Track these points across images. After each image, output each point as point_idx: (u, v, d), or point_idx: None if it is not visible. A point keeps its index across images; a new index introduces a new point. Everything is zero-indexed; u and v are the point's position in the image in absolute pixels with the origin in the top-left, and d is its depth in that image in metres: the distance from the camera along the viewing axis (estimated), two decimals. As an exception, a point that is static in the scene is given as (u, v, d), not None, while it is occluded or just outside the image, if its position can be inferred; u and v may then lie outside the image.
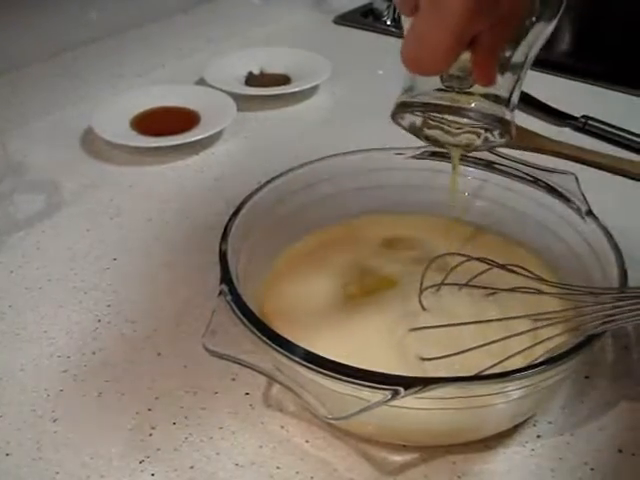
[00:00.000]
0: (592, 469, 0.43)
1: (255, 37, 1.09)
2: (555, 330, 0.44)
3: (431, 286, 0.49)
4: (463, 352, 0.42)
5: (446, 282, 0.49)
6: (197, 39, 1.03)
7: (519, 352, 0.42)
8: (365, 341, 0.47)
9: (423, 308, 0.48)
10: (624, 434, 0.45)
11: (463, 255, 0.48)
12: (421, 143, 0.54)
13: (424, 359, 0.45)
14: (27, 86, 0.83)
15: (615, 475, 0.43)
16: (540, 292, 0.46)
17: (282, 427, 0.46)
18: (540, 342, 0.43)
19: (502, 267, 0.47)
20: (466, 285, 0.48)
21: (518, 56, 0.43)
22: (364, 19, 1.16)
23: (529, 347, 0.42)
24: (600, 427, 0.46)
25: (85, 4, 0.97)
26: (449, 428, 0.42)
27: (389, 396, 0.36)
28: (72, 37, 0.90)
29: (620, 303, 0.41)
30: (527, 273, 0.46)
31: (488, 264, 0.48)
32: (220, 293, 0.42)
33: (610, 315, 0.41)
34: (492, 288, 0.48)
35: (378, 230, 0.58)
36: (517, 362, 0.41)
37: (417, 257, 0.54)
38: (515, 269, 0.47)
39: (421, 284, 0.48)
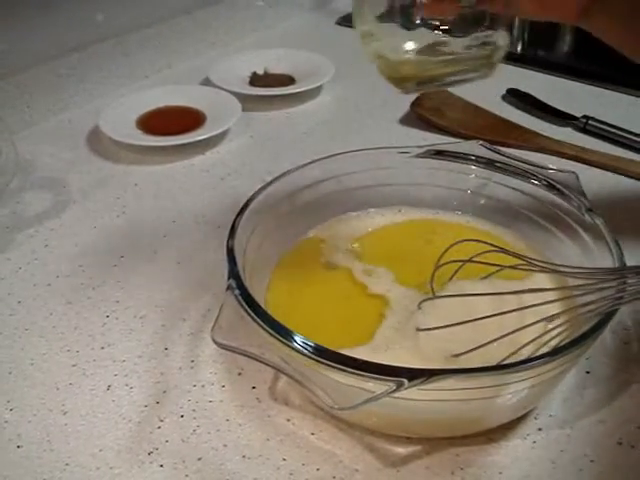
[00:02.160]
0: (592, 461, 0.44)
1: (259, 38, 1.10)
2: (565, 305, 0.45)
3: (446, 263, 0.49)
4: (457, 324, 0.44)
5: (460, 271, 0.50)
6: (202, 40, 1.04)
7: (529, 324, 0.43)
8: (371, 329, 0.48)
9: (433, 292, 0.49)
10: (624, 427, 0.46)
11: (487, 243, 0.49)
12: (424, 142, 0.54)
13: (419, 329, 0.46)
14: (34, 87, 0.84)
15: (615, 467, 0.44)
16: (555, 271, 0.48)
17: (288, 420, 0.47)
18: (549, 317, 0.44)
19: (519, 256, 0.48)
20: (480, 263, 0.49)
21: None
22: (367, 20, 1.17)
23: (537, 321, 0.43)
24: (600, 420, 0.46)
25: (91, 5, 0.97)
26: (452, 419, 0.43)
27: (393, 387, 0.37)
28: (79, 38, 0.90)
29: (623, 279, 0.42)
30: (542, 264, 0.48)
31: (508, 254, 0.48)
32: (228, 288, 0.43)
33: (618, 292, 0.42)
34: (499, 265, 0.49)
35: (383, 227, 0.59)
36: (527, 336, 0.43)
37: (422, 252, 0.55)
38: (528, 258, 0.48)
39: (434, 270, 0.49)
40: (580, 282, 0.46)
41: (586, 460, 0.44)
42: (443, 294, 0.49)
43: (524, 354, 0.43)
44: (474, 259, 0.48)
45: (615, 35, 0.50)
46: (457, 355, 0.44)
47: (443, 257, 0.49)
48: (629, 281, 0.43)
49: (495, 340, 0.43)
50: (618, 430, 0.46)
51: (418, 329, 0.46)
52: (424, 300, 0.48)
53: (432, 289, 0.50)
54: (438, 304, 0.48)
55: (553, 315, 0.44)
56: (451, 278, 0.50)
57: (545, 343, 0.43)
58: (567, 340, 0.43)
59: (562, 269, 0.48)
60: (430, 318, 0.47)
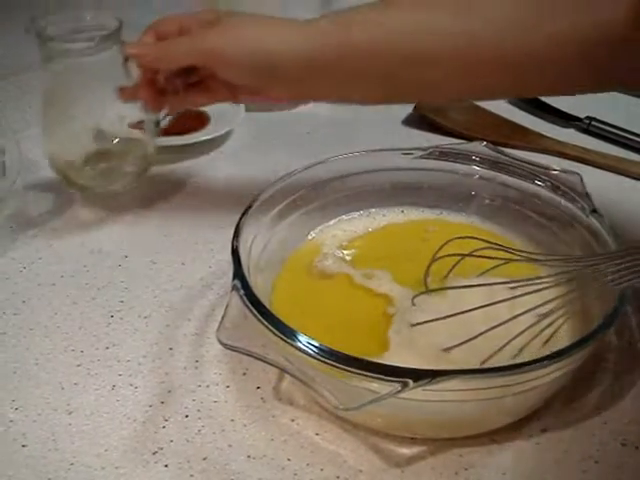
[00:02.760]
0: (596, 462, 0.44)
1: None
2: (558, 294, 0.45)
3: (441, 257, 0.50)
4: (448, 317, 0.44)
5: (457, 270, 0.50)
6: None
7: (520, 314, 0.44)
8: (382, 335, 0.48)
9: (426, 287, 0.50)
10: (628, 428, 0.46)
11: (483, 240, 0.49)
12: (428, 143, 0.55)
13: (413, 325, 0.47)
14: (37, 87, 0.84)
15: (618, 468, 0.44)
16: (543, 262, 0.49)
17: (293, 420, 0.47)
18: (543, 304, 0.44)
19: (515, 252, 0.49)
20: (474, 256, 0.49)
21: None
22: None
23: (527, 311, 0.44)
24: (604, 421, 0.46)
25: (94, 6, 0.98)
26: (457, 420, 0.43)
27: (398, 388, 0.37)
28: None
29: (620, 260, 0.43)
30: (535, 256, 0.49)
31: (506, 251, 0.49)
32: (233, 288, 0.43)
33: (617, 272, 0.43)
34: (499, 258, 0.49)
35: (385, 227, 0.59)
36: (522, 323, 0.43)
37: (422, 252, 0.55)
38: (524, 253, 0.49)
39: (429, 264, 0.50)
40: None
41: (590, 461, 0.44)
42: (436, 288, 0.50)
43: (516, 345, 0.43)
44: (473, 254, 0.48)
45: None
46: (448, 349, 0.44)
47: (439, 253, 0.50)
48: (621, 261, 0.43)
49: (485, 332, 0.43)
50: (622, 431, 0.46)
51: (411, 324, 0.47)
52: (417, 295, 0.49)
53: (426, 284, 0.50)
54: (431, 299, 0.49)
55: (544, 305, 0.44)
56: (446, 275, 0.50)
57: (537, 334, 0.44)
58: (560, 330, 0.43)
59: (551, 257, 0.50)
60: (423, 313, 0.47)
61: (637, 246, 0.44)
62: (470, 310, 0.44)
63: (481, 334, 0.43)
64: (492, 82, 0.53)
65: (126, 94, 0.62)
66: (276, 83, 0.56)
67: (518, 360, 0.41)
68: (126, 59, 0.61)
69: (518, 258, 0.49)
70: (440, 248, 0.50)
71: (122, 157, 0.67)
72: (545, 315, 0.44)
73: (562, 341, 0.45)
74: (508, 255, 0.49)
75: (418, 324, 0.46)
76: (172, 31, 0.59)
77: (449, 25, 0.51)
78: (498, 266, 0.49)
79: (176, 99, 0.61)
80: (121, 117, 0.65)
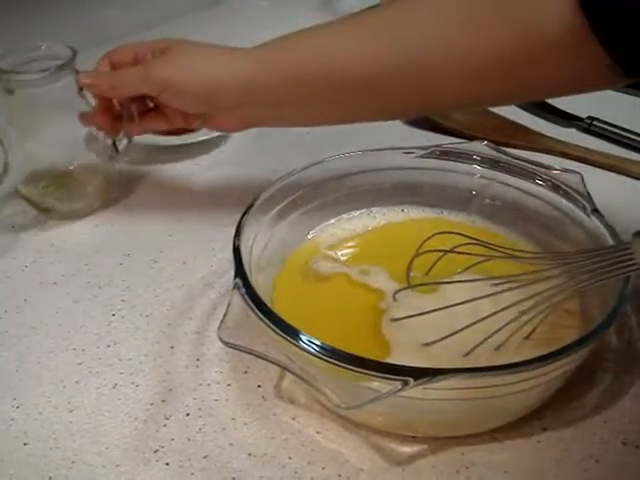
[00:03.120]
0: (597, 461, 0.44)
1: (262, 38, 1.09)
2: (539, 288, 0.45)
3: (423, 252, 0.50)
4: (427, 312, 0.45)
5: (440, 266, 0.50)
6: (205, 40, 1.04)
7: (499, 310, 0.44)
8: (370, 327, 0.49)
9: (409, 283, 0.50)
10: (628, 427, 0.46)
11: (466, 236, 0.49)
12: (429, 143, 0.55)
13: (394, 319, 0.47)
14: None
15: (619, 467, 0.44)
16: (525, 259, 0.50)
17: (294, 419, 0.47)
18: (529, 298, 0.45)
19: (497, 248, 0.49)
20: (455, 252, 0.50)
21: None
22: (371, 21, 1.17)
23: (507, 307, 0.44)
24: (605, 420, 0.47)
25: (97, 5, 0.98)
26: (457, 418, 0.43)
27: (399, 386, 0.37)
28: (85, 37, 0.90)
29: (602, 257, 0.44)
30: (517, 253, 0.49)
31: (488, 247, 0.49)
32: (234, 286, 0.43)
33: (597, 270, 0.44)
34: (484, 255, 0.49)
35: (384, 226, 0.59)
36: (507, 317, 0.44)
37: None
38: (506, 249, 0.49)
39: (411, 260, 0.50)
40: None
41: (591, 460, 0.44)
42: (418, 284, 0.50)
43: (493, 342, 0.44)
44: (454, 250, 0.49)
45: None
46: (428, 344, 0.44)
47: (422, 248, 0.50)
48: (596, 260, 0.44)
49: (464, 328, 0.43)
50: (623, 430, 0.46)
51: (392, 319, 0.47)
52: (399, 290, 0.49)
53: (408, 280, 0.50)
54: (413, 295, 0.49)
55: (523, 301, 0.45)
56: (428, 272, 0.51)
57: (517, 330, 0.44)
58: (539, 326, 0.44)
59: (533, 255, 0.50)
60: (405, 308, 0.48)
61: (612, 246, 0.45)
62: (450, 306, 0.45)
63: (461, 330, 0.43)
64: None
65: (85, 120, 0.64)
66: (223, 110, 0.58)
67: (499, 355, 0.41)
68: (81, 88, 0.62)
69: (499, 255, 0.49)
70: (423, 243, 0.50)
71: (83, 180, 0.68)
72: (524, 312, 0.44)
73: (557, 340, 0.45)
74: (489, 252, 0.49)
75: (398, 319, 0.47)
76: (127, 60, 0.60)
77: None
78: (480, 263, 0.49)
79: (132, 125, 0.63)
80: (80, 142, 0.66)
